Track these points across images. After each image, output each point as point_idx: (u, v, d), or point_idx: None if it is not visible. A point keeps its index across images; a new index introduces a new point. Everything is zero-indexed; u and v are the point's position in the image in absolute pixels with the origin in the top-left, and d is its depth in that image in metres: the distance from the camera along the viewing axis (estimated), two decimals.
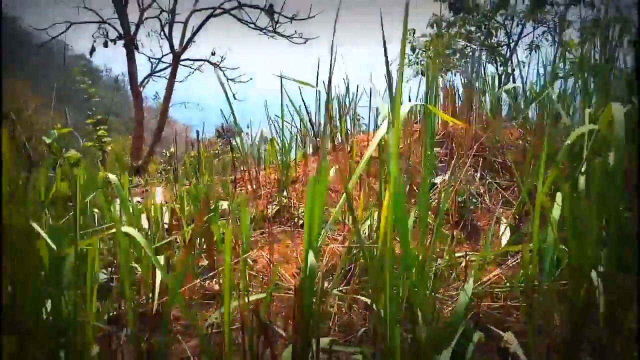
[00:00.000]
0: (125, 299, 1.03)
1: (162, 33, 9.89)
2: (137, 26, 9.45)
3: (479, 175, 2.42)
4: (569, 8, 7.24)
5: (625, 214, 1.01)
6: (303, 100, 3.03)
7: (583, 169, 1.14)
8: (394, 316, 0.89)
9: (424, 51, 9.44)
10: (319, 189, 0.91)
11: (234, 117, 1.45)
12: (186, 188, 2.22)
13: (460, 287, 1.37)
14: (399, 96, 0.87)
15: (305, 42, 10.06)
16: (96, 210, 1.71)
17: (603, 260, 1.00)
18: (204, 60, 10.55)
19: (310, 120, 3.09)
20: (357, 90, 3.23)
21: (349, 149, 2.92)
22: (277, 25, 9.67)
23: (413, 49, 9.80)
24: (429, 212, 1.74)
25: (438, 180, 2.29)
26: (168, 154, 11.67)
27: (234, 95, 11.48)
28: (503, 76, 9.90)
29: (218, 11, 9.67)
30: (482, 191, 2.31)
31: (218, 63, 10.52)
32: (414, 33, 9.77)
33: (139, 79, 9.64)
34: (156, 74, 10.76)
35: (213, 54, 10.49)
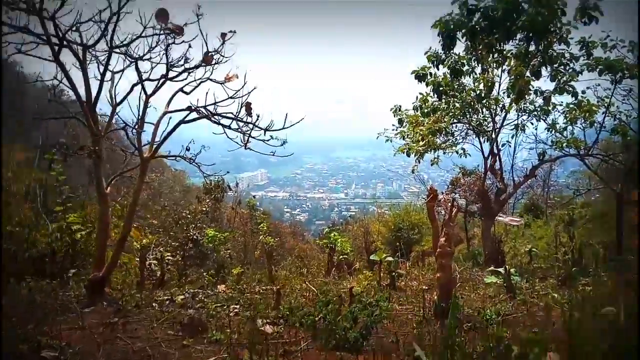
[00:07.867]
0: None
1: (128, 138, 9.00)
2: (106, 131, 8.44)
3: None
4: (552, 95, 8.23)
5: None
6: None
7: None
8: None
9: (412, 124, 9.83)
10: None
11: None
12: None
13: None
14: None
15: (281, 145, 10.06)
16: None
17: None
18: (178, 156, 9.74)
19: None
20: None
21: None
22: (249, 140, 9.41)
23: (400, 121, 10.25)
24: None
25: None
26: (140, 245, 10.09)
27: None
28: (490, 157, 10.70)
29: (191, 116, 9.20)
30: None
31: (193, 158, 9.82)
32: (400, 108, 10.27)
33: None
34: (125, 174, 9.60)
35: (188, 149, 9.79)
